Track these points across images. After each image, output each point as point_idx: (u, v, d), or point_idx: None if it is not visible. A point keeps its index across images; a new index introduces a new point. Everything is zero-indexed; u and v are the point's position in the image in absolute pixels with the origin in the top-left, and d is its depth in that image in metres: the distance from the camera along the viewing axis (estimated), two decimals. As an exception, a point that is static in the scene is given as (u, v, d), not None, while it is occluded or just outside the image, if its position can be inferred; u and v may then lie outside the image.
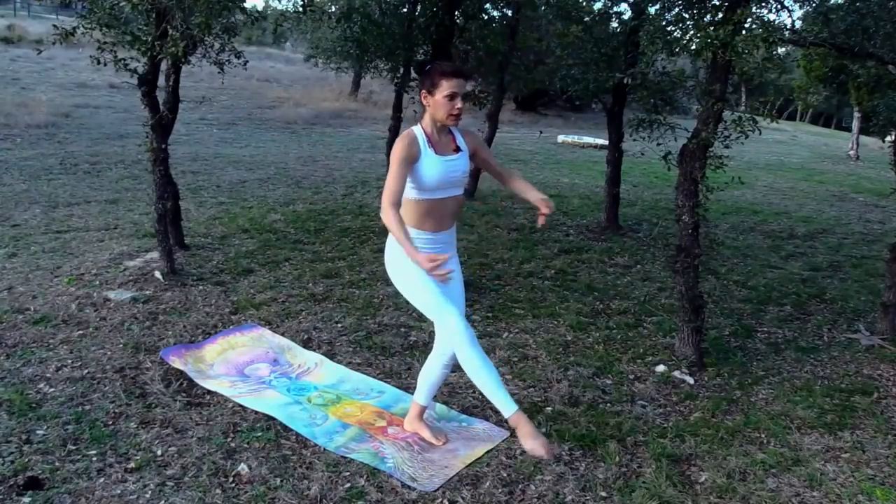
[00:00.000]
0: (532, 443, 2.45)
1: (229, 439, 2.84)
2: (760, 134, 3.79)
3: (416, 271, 2.57)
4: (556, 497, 2.62)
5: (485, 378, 2.49)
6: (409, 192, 2.57)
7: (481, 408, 3.29)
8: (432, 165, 2.54)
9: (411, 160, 2.51)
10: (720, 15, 3.56)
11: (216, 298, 4.40)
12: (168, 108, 4.74)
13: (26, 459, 2.58)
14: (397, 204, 2.46)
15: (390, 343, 3.92)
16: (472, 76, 7.64)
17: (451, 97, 2.50)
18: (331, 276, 5.00)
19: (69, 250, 5.19)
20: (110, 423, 2.89)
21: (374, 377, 3.52)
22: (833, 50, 4.05)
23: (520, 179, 2.83)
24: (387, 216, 2.41)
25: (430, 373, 2.90)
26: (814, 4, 4.50)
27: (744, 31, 3.33)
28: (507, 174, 2.82)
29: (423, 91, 2.55)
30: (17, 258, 4.93)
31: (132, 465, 2.61)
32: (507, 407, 2.50)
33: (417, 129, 2.59)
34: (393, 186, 2.46)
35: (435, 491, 2.60)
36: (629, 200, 8.90)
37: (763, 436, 3.18)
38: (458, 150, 2.64)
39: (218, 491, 2.50)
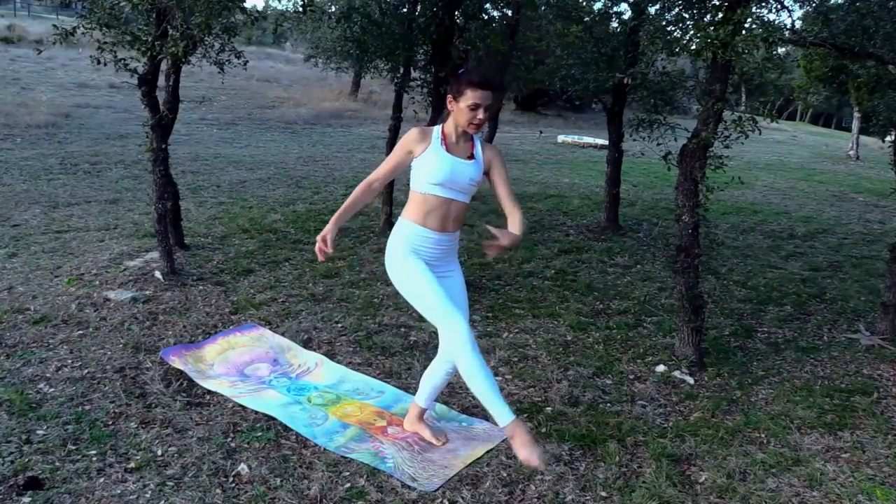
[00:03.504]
0: (527, 452, 2.39)
1: (229, 439, 2.84)
2: (760, 134, 3.79)
3: (416, 272, 2.56)
4: (556, 497, 2.62)
5: (484, 387, 2.44)
6: (417, 184, 2.62)
7: (481, 408, 3.28)
8: (439, 161, 2.55)
9: (411, 150, 2.58)
10: (720, 15, 3.56)
11: (216, 298, 4.40)
12: (168, 108, 4.74)
13: (26, 459, 2.58)
14: (371, 183, 2.64)
15: (390, 343, 3.92)
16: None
17: (474, 108, 2.52)
18: (331, 276, 5.00)
19: (69, 250, 5.19)
20: (110, 423, 2.89)
21: (374, 377, 3.52)
22: (833, 50, 4.05)
23: (515, 219, 2.59)
24: (358, 188, 2.64)
25: (433, 377, 2.88)
26: (814, 4, 4.50)
27: (744, 31, 3.33)
28: (510, 209, 2.62)
29: (449, 96, 2.59)
30: (17, 258, 4.93)
31: (132, 465, 2.61)
32: (503, 416, 2.43)
33: (437, 127, 2.64)
34: (381, 168, 2.67)
35: (435, 491, 2.60)
36: (629, 200, 8.89)
37: (763, 436, 3.18)
38: (472, 157, 2.63)
39: (218, 491, 2.50)
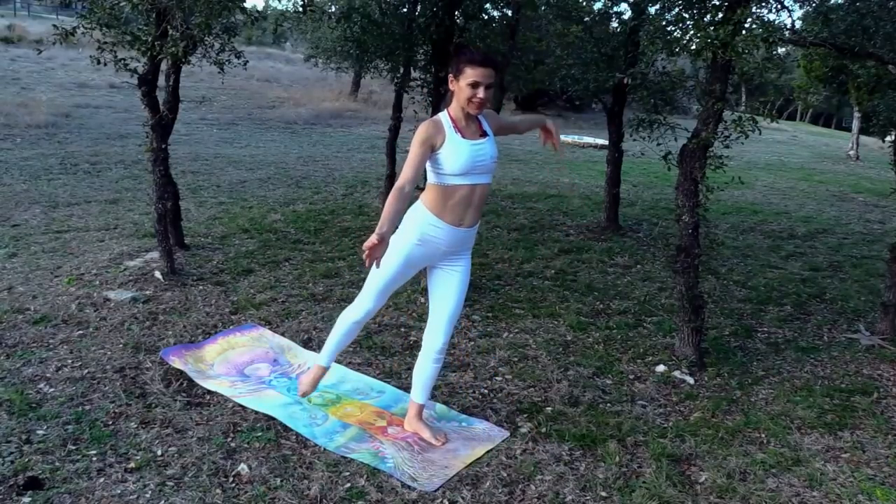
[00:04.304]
0: (304, 379, 3.06)
1: (229, 439, 2.84)
2: (760, 134, 3.79)
3: (399, 254, 2.65)
4: (556, 497, 2.62)
5: (334, 339, 2.96)
6: (438, 178, 2.60)
7: (481, 408, 3.29)
8: (459, 149, 2.55)
9: (433, 143, 2.54)
10: (720, 15, 3.56)
11: (216, 298, 4.40)
12: (168, 108, 4.74)
13: (26, 459, 2.58)
14: (402, 188, 2.44)
15: (390, 343, 3.92)
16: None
17: (474, 85, 2.52)
18: (331, 276, 5.00)
19: (69, 250, 5.19)
20: (110, 423, 2.89)
21: (374, 377, 3.52)
22: (833, 50, 4.05)
23: (531, 116, 3.09)
24: (390, 196, 2.45)
25: (422, 369, 2.92)
26: (814, 4, 4.50)
27: (744, 31, 3.33)
28: (520, 120, 3.10)
29: (451, 75, 2.59)
30: (17, 258, 4.93)
31: (132, 465, 2.61)
32: (321, 359, 3.01)
33: (443, 115, 2.62)
34: (407, 170, 2.50)
35: (435, 491, 2.60)
36: (629, 200, 8.90)
37: (763, 436, 3.18)
38: (484, 134, 2.65)
39: (218, 491, 2.50)
